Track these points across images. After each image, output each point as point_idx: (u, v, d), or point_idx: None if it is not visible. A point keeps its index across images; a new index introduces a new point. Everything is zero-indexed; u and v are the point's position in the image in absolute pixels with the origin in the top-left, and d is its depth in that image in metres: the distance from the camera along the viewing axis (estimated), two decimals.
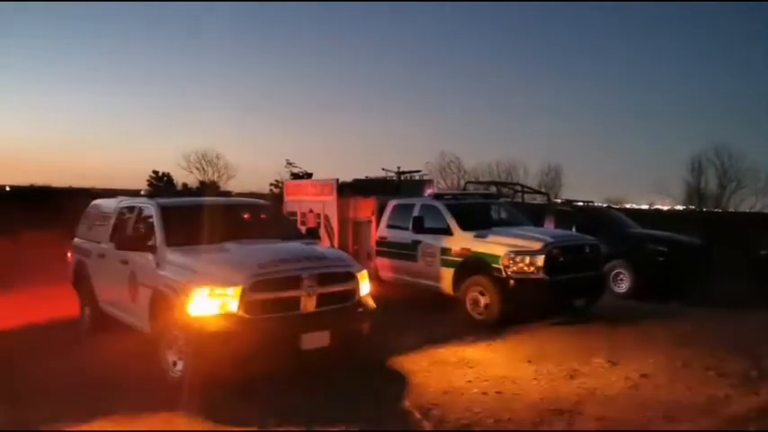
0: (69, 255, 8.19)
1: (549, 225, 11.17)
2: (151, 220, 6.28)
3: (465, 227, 8.53)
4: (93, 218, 7.90)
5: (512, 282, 7.61)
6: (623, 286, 10.40)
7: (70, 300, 8.01)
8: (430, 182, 13.33)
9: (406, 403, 4.99)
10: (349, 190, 11.44)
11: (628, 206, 30.31)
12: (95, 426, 4.53)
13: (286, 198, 12.97)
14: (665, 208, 32.18)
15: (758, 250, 13.17)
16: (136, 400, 4.97)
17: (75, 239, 8.13)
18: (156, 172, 35.95)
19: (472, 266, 8.14)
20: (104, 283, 7.05)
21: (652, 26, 48.83)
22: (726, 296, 10.48)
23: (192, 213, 6.68)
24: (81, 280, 7.69)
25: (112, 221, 7.17)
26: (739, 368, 5.94)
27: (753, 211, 29.71)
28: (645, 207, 32.64)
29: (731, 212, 28.83)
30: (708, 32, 49.02)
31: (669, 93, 50.68)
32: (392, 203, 9.93)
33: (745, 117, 47.73)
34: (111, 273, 6.71)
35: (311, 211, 11.91)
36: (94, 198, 8.63)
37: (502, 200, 11.48)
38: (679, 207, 32.14)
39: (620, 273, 10.43)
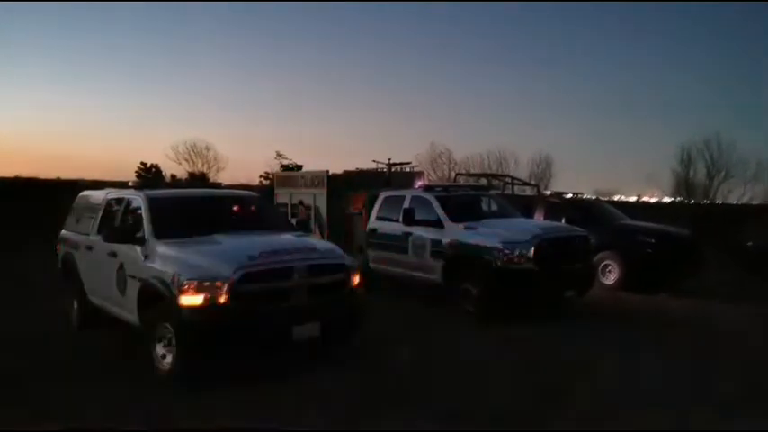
0: (57, 247, 8.12)
1: (539, 217, 11.22)
2: (140, 212, 6.23)
3: (455, 219, 8.55)
4: (80, 210, 7.83)
5: (502, 273, 7.64)
6: (612, 277, 10.48)
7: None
8: (420, 174, 13.34)
9: (397, 394, 5.00)
10: (340, 182, 11.43)
11: (617, 198, 30.48)
12: (81, 420, 4.50)
13: (276, 190, 12.94)
14: (654, 200, 32.42)
15: (745, 241, 13.33)
16: (125, 393, 4.95)
17: (63, 232, 8.06)
18: (144, 163, 35.63)
19: (462, 258, 8.16)
20: (93, 276, 6.99)
21: (641, 19, 48.98)
22: (713, 287, 10.59)
23: (181, 205, 6.67)
24: (69, 273, 7.63)
25: (100, 213, 7.12)
26: (728, 357, 6.04)
27: (740, 202, 30.01)
28: (633, 199, 32.85)
29: (719, 204, 29.09)
30: (697, 25, 49.27)
31: (659, 84, 50.93)
32: (383, 195, 9.93)
33: (734, 108, 48.10)
34: (99, 265, 6.65)
35: (302, 202, 11.89)
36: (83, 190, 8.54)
37: (492, 192, 11.49)
38: (667, 199, 32.38)
39: (609, 264, 10.52)
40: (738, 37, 47.76)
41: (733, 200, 30.35)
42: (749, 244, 13.24)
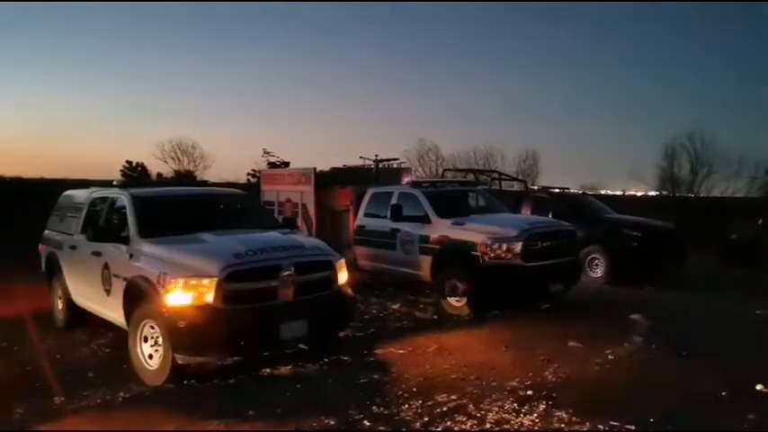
0: (40, 247, 8.03)
1: (526, 212, 11.28)
2: (124, 210, 6.17)
3: (443, 214, 8.56)
4: (64, 209, 7.74)
5: (489, 268, 7.66)
6: (598, 271, 10.57)
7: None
8: (408, 170, 13.31)
9: (386, 392, 5.00)
10: (327, 178, 11.39)
11: (603, 192, 30.69)
12: (68, 422, 4.45)
13: (263, 187, 12.85)
14: (639, 194, 32.66)
15: (728, 234, 13.49)
16: (111, 395, 4.91)
17: (47, 231, 7.96)
18: (129, 162, 35.24)
19: (450, 254, 8.18)
20: (77, 276, 6.92)
21: (626, 15, 49.29)
22: (698, 279, 10.72)
23: (167, 203, 6.61)
24: (53, 273, 7.54)
25: (84, 213, 7.04)
26: (712, 349, 6.10)
27: (724, 196, 30.30)
28: (619, 193, 33.09)
29: (703, 197, 29.38)
30: (681, 21, 49.64)
31: (643, 80, 51.28)
32: (370, 192, 9.92)
33: (718, 103, 48.55)
34: (83, 265, 6.58)
35: (289, 200, 11.83)
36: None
37: (479, 187, 11.51)
38: (652, 193, 32.65)
39: (596, 258, 10.60)
40: (722, 33, 48.23)
41: (716, 194, 30.63)
42: (733, 237, 13.40)
